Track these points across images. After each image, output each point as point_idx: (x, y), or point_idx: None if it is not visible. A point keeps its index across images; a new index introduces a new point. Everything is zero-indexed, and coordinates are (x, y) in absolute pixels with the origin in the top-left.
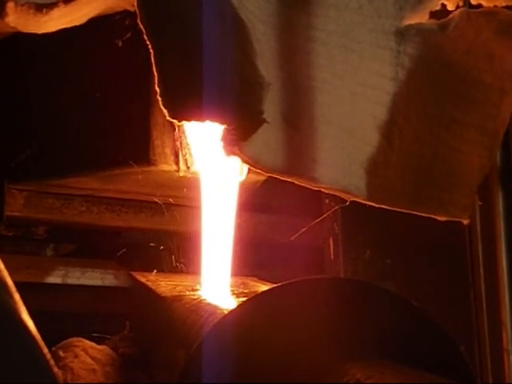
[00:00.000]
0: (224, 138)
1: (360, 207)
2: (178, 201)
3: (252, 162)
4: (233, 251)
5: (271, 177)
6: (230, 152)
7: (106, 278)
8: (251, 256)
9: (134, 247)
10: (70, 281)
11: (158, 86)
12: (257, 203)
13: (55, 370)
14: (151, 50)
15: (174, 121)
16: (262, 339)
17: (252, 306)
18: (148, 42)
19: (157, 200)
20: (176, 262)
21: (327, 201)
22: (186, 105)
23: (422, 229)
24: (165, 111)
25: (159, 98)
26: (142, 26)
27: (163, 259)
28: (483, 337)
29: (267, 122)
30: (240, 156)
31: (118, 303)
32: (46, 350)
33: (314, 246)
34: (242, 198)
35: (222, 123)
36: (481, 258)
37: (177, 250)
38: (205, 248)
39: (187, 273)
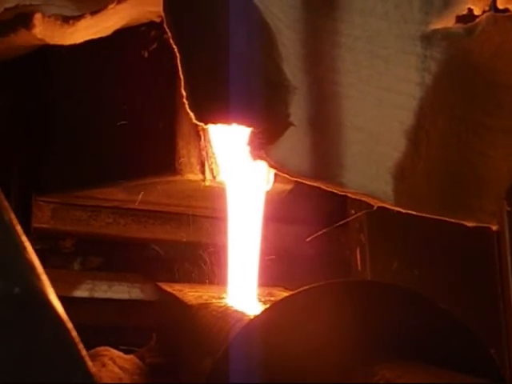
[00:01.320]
0: (251, 142)
1: (387, 218)
2: (204, 212)
3: (278, 167)
4: (259, 262)
5: (298, 188)
6: (256, 156)
7: (132, 292)
8: (278, 267)
9: (161, 260)
10: (96, 294)
11: (184, 89)
12: (283, 215)
13: (84, 352)
14: (177, 54)
15: (201, 124)
16: (289, 342)
17: (278, 309)
18: (174, 46)
19: (183, 211)
20: (202, 273)
21: (353, 211)
22: (213, 108)
23: (449, 239)
24: (191, 114)
25: (185, 102)
26: (168, 30)
27: (189, 271)
28: None
29: (294, 125)
30: (266, 160)
31: (145, 317)
32: (74, 333)
33: (341, 257)
34: (268, 209)
35: (249, 126)
36: (510, 266)
37: (203, 261)
38: (231, 259)
39: (214, 284)
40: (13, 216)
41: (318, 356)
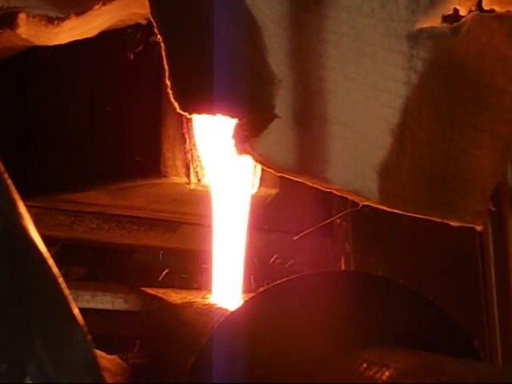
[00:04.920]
0: (235, 135)
1: (372, 227)
2: (189, 218)
3: (263, 160)
4: (244, 270)
5: (284, 198)
6: (241, 150)
7: (116, 302)
8: (262, 275)
9: (145, 267)
10: (80, 304)
11: (169, 79)
12: (268, 223)
13: (66, 292)
14: (162, 44)
15: (185, 113)
16: (272, 331)
17: (261, 299)
18: (159, 36)
19: (167, 217)
20: (187, 280)
21: (338, 221)
22: (197, 97)
23: (434, 248)
24: (175, 104)
25: (170, 91)
26: (152, 19)
27: (174, 278)
28: (495, 348)
29: (279, 117)
30: (251, 154)
31: (129, 327)
32: (56, 270)
33: (326, 266)
34: (253, 216)
35: (233, 117)
36: (493, 275)
37: (188, 268)
38: (216, 265)
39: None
40: None
41: (301, 344)
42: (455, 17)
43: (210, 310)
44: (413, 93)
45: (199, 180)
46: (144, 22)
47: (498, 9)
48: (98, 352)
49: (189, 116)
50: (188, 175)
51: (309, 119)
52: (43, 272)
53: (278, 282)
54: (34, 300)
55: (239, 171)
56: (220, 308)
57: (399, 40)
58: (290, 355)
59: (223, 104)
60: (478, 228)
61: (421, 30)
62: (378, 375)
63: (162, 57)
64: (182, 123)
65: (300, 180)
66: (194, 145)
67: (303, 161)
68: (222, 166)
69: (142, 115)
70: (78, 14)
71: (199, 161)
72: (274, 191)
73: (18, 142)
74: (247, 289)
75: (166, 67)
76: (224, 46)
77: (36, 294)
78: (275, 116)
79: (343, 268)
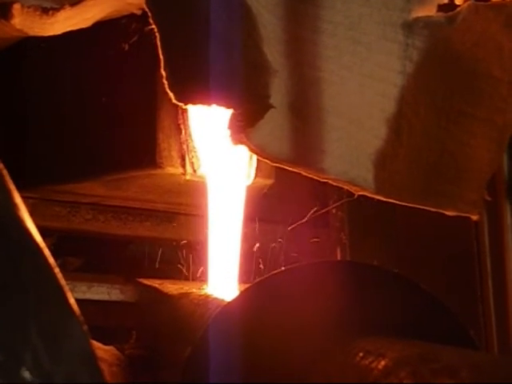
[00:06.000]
0: (231, 125)
1: (368, 217)
2: (184, 209)
3: (258, 151)
4: (240, 261)
5: (280, 189)
6: (236, 140)
7: (112, 293)
8: (258, 266)
9: (141, 260)
10: (76, 295)
11: (164, 70)
12: (263, 214)
13: (63, 282)
14: (157, 34)
15: (180, 104)
16: (268, 321)
17: (257, 290)
18: (154, 26)
19: (163, 208)
20: (182, 271)
21: (334, 211)
22: (192, 88)
23: (430, 238)
24: (171, 95)
25: (165, 82)
26: (147, 9)
27: (170, 269)
28: (491, 337)
29: (274, 107)
30: (246, 144)
31: (125, 317)
32: (52, 260)
33: (322, 256)
34: (249, 204)
35: (229, 107)
36: (489, 266)
37: (183, 259)
38: (212, 256)
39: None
40: None
41: (296, 335)
42: (451, 6)
43: (206, 300)
44: (408, 82)
45: (195, 171)
46: (139, 12)
47: None
48: (95, 343)
49: (184, 107)
50: (183, 166)
51: (304, 109)
52: (39, 263)
53: (273, 272)
54: (29, 291)
55: (235, 162)
56: (216, 299)
57: (394, 29)
58: (286, 345)
59: (218, 94)
60: (474, 217)
61: (416, 19)
62: (373, 364)
63: (157, 47)
64: (177, 114)
65: (296, 170)
66: (190, 135)
67: (299, 151)
68: (217, 157)
69: (137, 106)
70: (73, 5)
71: (195, 151)
72: (269, 181)
73: (12, 133)
74: (243, 279)
75: (161, 57)
76: (219, 36)
77: (32, 285)
78: (270, 106)
79: (339, 258)
